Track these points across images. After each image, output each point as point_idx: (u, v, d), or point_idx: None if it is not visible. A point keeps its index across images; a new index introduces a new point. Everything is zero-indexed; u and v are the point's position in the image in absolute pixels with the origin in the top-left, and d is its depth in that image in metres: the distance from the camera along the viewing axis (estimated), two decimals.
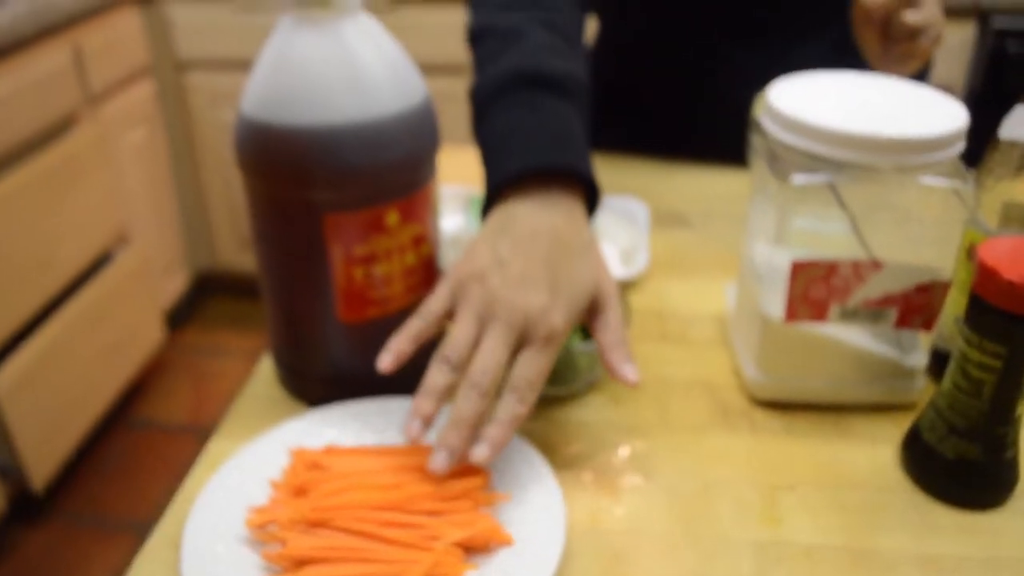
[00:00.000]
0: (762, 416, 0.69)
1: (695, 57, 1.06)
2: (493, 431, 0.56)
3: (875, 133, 0.60)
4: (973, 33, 1.93)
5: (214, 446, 0.66)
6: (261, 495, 0.58)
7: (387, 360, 0.60)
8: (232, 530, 0.56)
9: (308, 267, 0.64)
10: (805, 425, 0.68)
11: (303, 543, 0.53)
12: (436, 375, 0.58)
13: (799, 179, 0.62)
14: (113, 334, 2.04)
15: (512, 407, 0.57)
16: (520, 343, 0.58)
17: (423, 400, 0.58)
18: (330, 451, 0.61)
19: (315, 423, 0.64)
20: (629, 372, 0.60)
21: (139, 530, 1.84)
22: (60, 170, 1.84)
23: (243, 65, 2.15)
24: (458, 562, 0.53)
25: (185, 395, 2.25)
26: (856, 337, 0.68)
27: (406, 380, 0.68)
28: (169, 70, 2.28)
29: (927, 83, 1.03)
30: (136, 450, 2.08)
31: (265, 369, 0.74)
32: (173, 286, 2.41)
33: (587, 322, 0.63)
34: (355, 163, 0.61)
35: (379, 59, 0.63)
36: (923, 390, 0.69)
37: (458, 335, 0.59)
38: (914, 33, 0.85)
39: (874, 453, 0.65)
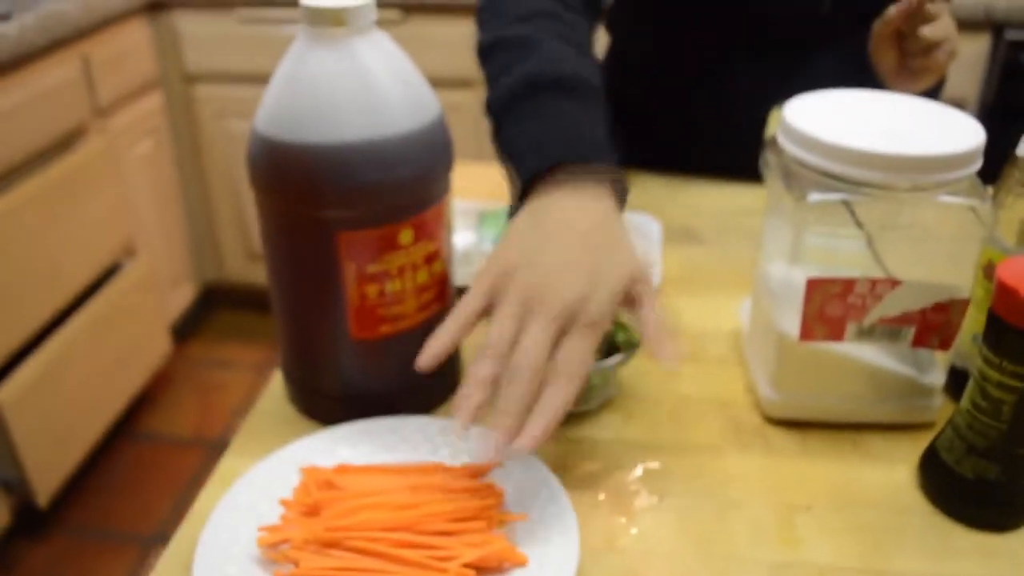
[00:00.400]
0: (777, 435, 0.68)
1: (707, 72, 1.06)
2: (537, 420, 0.54)
3: (891, 151, 0.59)
4: (987, 46, 1.92)
5: (225, 464, 0.65)
6: (273, 514, 0.58)
7: (426, 360, 0.59)
8: (244, 550, 0.55)
9: (320, 284, 0.64)
10: (821, 444, 0.67)
11: (316, 563, 0.52)
12: (481, 366, 0.56)
13: (815, 197, 0.62)
14: (119, 346, 2.03)
15: (557, 395, 0.55)
16: (561, 333, 0.57)
17: (469, 389, 0.56)
18: (342, 469, 0.60)
19: (327, 441, 0.63)
20: (672, 355, 0.59)
21: (144, 543, 1.84)
22: (68, 182, 1.84)
23: (251, 78, 2.16)
24: None
25: (191, 408, 2.25)
26: (872, 355, 0.67)
27: (418, 398, 0.68)
28: (177, 82, 2.28)
29: (940, 97, 1.03)
30: (141, 463, 2.07)
31: (276, 386, 0.73)
32: (180, 298, 2.40)
33: (626, 308, 0.62)
34: (368, 181, 0.61)
35: (392, 77, 0.62)
36: (941, 409, 0.68)
37: (499, 330, 0.57)
38: (930, 47, 0.85)
39: (891, 473, 0.64)
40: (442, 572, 0.52)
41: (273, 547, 0.55)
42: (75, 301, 1.91)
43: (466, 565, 0.53)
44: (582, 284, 0.58)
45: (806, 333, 0.65)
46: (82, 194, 1.89)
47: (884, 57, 0.93)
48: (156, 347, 2.21)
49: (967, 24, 1.88)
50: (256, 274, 2.50)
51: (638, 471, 0.64)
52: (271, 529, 0.56)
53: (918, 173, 0.60)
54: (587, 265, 0.59)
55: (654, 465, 0.65)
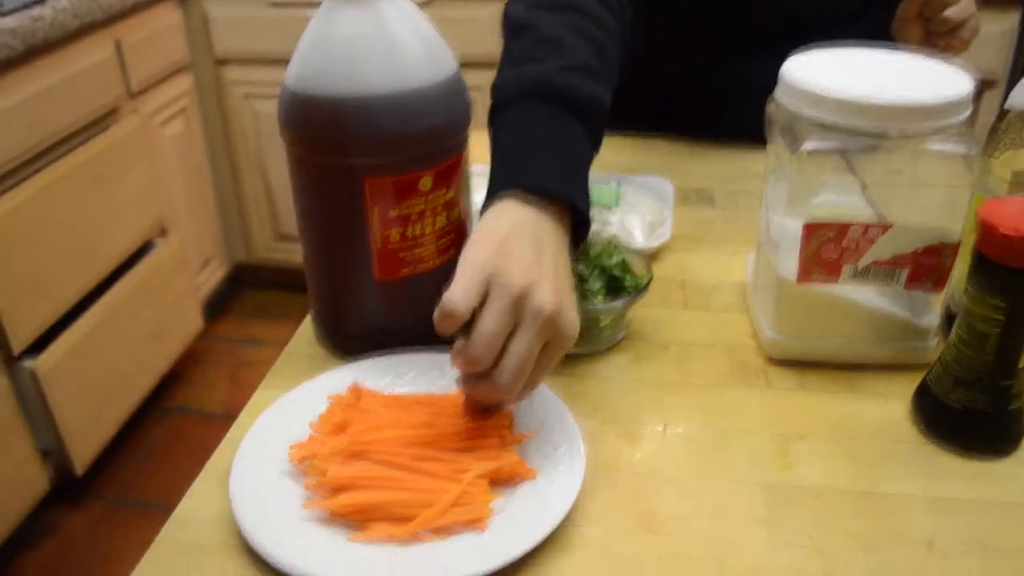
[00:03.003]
0: (777, 374, 0.72)
1: (723, 43, 1.09)
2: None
3: (882, 100, 0.63)
4: (1016, 23, 1.93)
5: (258, 396, 0.70)
6: (302, 436, 0.62)
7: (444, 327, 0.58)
8: (276, 465, 0.60)
9: (347, 229, 0.68)
10: (819, 382, 0.71)
11: (342, 472, 0.57)
12: (467, 361, 0.58)
13: (810, 145, 0.65)
14: (152, 322, 2.09)
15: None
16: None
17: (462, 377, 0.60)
18: (366, 396, 0.64)
19: (352, 373, 0.68)
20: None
21: None
22: (102, 161, 1.90)
23: (279, 60, 2.19)
24: (484, 493, 0.57)
25: (220, 384, 2.31)
26: (868, 297, 0.71)
27: (437, 336, 0.72)
28: (207, 65, 2.34)
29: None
30: (173, 436, 2.13)
31: (305, 330, 0.78)
32: (211, 278, 2.46)
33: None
34: (391, 130, 0.65)
35: (413, 35, 0.67)
36: (935, 350, 0.71)
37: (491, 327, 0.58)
38: (955, 28, 0.88)
39: (886, 408, 0.68)
40: (458, 482, 0.56)
41: (303, 461, 0.59)
42: (110, 277, 1.97)
43: (479, 477, 0.57)
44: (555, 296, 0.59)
45: (803, 275, 0.69)
46: (116, 173, 1.95)
47: (909, 36, 0.96)
48: (188, 324, 2.27)
49: (997, 1, 1.89)
50: (284, 254, 2.55)
51: (644, 404, 0.68)
52: (301, 445, 0.60)
53: (907, 121, 0.63)
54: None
55: (660, 399, 0.69)
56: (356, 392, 0.65)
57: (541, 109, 0.71)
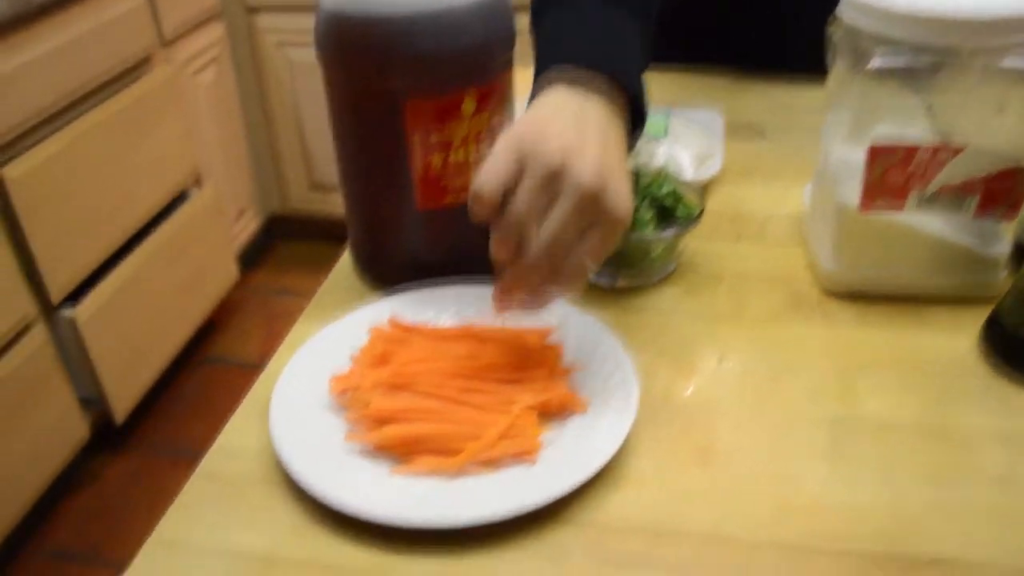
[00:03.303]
0: (836, 308, 0.68)
1: None
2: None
3: (955, 13, 0.59)
4: None
5: (296, 330, 0.68)
6: (343, 368, 0.60)
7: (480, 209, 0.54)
8: (316, 398, 0.58)
9: (388, 156, 0.66)
10: (880, 316, 0.67)
11: (385, 404, 0.54)
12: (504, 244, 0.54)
13: (876, 63, 0.61)
14: (189, 272, 2.09)
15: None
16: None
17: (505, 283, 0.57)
18: (409, 328, 0.62)
19: (393, 304, 0.66)
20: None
21: None
22: (136, 110, 1.88)
23: (312, 7, 2.17)
24: (533, 425, 0.54)
25: (257, 334, 2.31)
26: (934, 226, 0.67)
27: (481, 266, 0.69)
28: (239, 13, 2.31)
29: None
30: (210, 385, 2.14)
31: (343, 264, 0.76)
32: (246, 228, 2.46)
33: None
34: (432, 49, 0.62)
35: None
36: (1004, 283, 0.68)
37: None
38: None
39: (952, 342, 0.65)
40: (506, 414, 0.54)
41: (344, 394, 0.57)
42: (145, 227, 1.96)
43: (528, 408, 0.55)
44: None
45: (867, 202, 0.65)
46: (149, 122, 1.93)
47: None
48: (223, 274, 2.26)
49: None
50: (320, 205, 2.53)
51: (697, 337, 0.66)
52: (342, 378, 0.58)
53: (981, 35, 0.59)
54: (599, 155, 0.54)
55: (713, 332, 0.66)
56: (397, 325, 0.62)
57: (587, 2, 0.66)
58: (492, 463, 0.53)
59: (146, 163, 1.93)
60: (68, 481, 1.83)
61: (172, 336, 2.06)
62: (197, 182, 2.16)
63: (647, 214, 0.68)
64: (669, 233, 0.68)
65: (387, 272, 0.71)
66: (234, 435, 0.59)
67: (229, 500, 0.54)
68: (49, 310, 1.69)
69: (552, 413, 0.56)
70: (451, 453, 0.53)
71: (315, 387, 0.59)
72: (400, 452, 0.54)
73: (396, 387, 0.56)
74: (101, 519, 1.79)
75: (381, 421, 0.54)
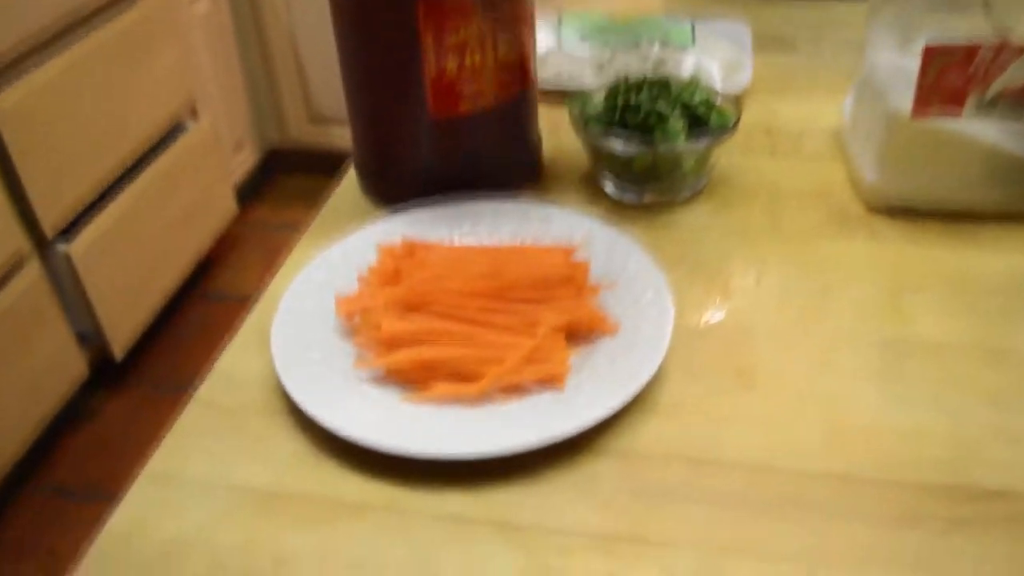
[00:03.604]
0: (882, 224, 0.63)
1: None
2: None
3: None
4: None
5: (297, 253, 0.63)
6: (350, 290, 0.55)
7: None
8: (322, 321, 0.53)
9: (399, 60, 0.60)
10: (929, 233, 0.62)
11: (398, 326, 0.50)
12: None
13: None
14: (186, 205, 2.04)
15: None
16: None
17: None
18: (421, 246, 0.57)
19: (404, 222, 0.61)
20: None
21: None
22: (129, 38, 1.81)
23: None
24: (560, 348, 0.49)
25: (257, 269, 2.26)
26: (992, 134, 0.61)
27: (497, 180, 0.65)
28: None
29: None
30: (211, 321, 2.10)
31: (348, 182, 0.70)
32: (244, 161, 2.39)
33: None
34: None
35: None
36: None
37: None
38: None
39: (1009, 261, 0.59)
40: (530, 336, 0.49)
41: (351, 316, 0.53)
42: (140, 160, 1.90)
43: (554, 330, 0.50)
44: None
45: (920, 107, 0.60)
46: (144, 51, 1.86)
47: None
48: (222, 208, 2.21)
49: None
50: (319, 137, 2.47)
51: (733, 254, 0.61)
52: (349, 299, 0.53)
53: None
54: None
55: (750, 249, 0.61)
56: (409, 244, 0.57)
57: None
58: (516, 389, 0.48)
59: (140, 93, 1.86)
60: (68, 418, 1.80)
61: (170, 271, 2.02)
62: (193, 113, 2.09)
63: (678, 123, 0.62)
64: (702, 143, 0.62)
65: (396, 189, 0.65)
66: (233, 362, 0.54)
67: (228, 430, 0.49)
68: (43, 245, 1.64)
69: (580, 335, 0.51)
70: (471, 379, 0.48)
71: (320, 309, 0.54)
72: (414, 378, 0.49)
73: (409, 307, 0.51)
74: (102, 456, 1.76)
75: (393, 345, 0.49)
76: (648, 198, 0.65)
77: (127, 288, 1.85)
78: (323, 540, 0.43)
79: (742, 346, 0.53)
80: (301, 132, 2.49)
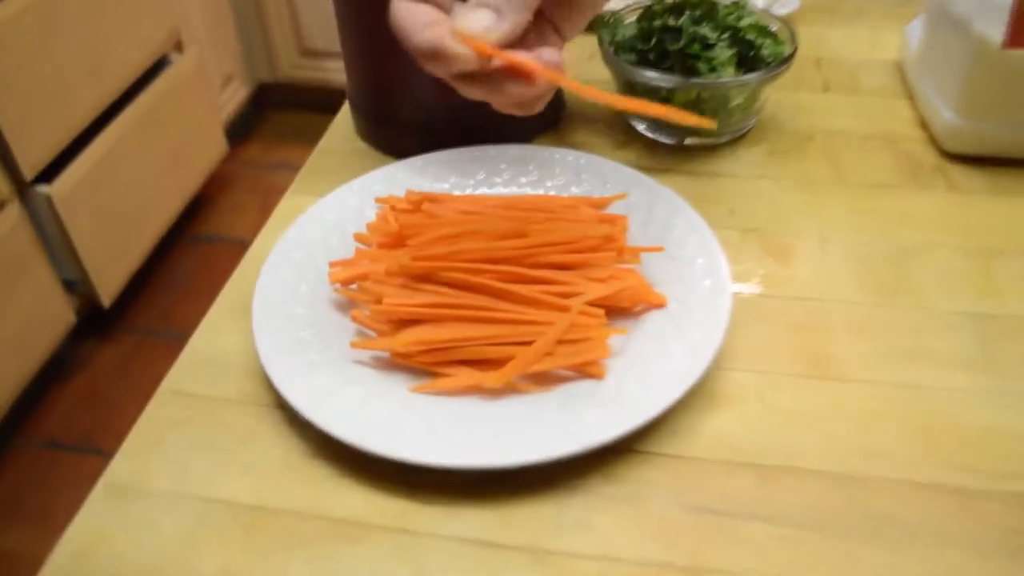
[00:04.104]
0: (960, 173, 0.55)
1: None
2: None
3: None
4: None
5: (285, 204, 0.54)
6: (346, 252, 0.47)
7: None
8: (312, 290, 0.45)
9: None
10: (1018, 184, 0.54)
11: (403, 298, 0.41)
12: None
13: None
14: (173, 145, 1.94)
15: None
16: None
17: None
18: (429, 197, 0.49)
19: (406, 171, 0.52)
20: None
21: None
22: None
23: None
24: (600, 326, 0.41)
25: (249, 210, 2.17)
26: None
27: (510, 126, 0.56)
28: None
29: None
30: (204, 265, 2.02)
31: (341, 121, 0.62)
32: (233, 97, 2.29)
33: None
34: None
35: None
36: None
37: None
38: None
39: None
40: (564, 311, 0.41)
41: (347, 285, 0.44)
42: (124, 97, 1.80)
43: (592, 303, 0.42)
44: None
45: (1015, 36, 0.51)
46: None
47: None
48: (211, 147, 2.11)
49: None
50: (312, 72, 2.35)
51: (791, 210, 0.52)
52: (345, 263, 0.45)
53: None
54: None
55: (811, 204, 0.53)
56: (414, 197, 0.49)
57: None
58: (546, 379, 0.40)
59: (122, 24, 1.75)
60: (57, 369, 1.73)
61: (159, 213, 1.93)
62: (178, 47, 1.98)
63: (725, 53, 0.53)
64: (754, 77, 0.53)
65: (397, 134, 0.56)
66: (208, 342, 0.46)
67: (202, 429, 0.41)
68: (22, 188, 1.55)
69: (623, 310, 0.43)
70: (492, 365, 0.40)
71: (310, 276, 0.46)
72: (424, 363, 0.41)
73: (417, 276, 0.42)
74: (93, 407, 1.69)
75: (397, 323, 0.41)
76: (688, 140, 0.56)
77: (114, 232, 1.76)
78: (316, 566, 0.35)
79: (812, 323, 0.45)
80: (293, 65, 2.37)
